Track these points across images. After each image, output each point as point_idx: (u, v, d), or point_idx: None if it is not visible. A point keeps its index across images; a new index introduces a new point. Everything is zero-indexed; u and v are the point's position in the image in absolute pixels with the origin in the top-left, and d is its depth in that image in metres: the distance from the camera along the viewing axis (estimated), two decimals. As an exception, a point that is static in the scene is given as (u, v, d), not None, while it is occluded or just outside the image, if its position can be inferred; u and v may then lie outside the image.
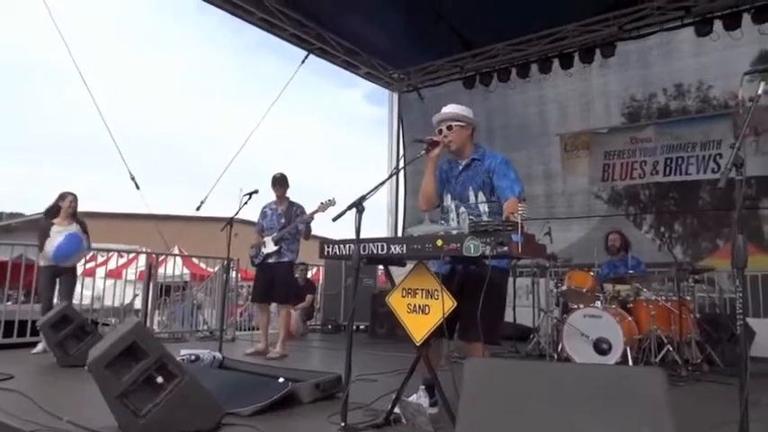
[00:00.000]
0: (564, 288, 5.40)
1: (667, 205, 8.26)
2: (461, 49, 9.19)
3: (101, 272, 7.99)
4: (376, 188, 2.86)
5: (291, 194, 5.90)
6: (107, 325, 6.84)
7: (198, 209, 8.35)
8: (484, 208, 3.07)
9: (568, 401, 1.58)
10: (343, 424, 2.64)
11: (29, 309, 6.01)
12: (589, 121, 8.83)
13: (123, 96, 51.96)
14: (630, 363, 4.56)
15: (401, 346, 5.26)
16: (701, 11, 7.36)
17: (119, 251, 9.87)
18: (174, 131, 58.60)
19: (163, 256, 8.18)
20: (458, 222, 3.08)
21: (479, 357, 2.82)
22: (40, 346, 5.31)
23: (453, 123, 3.14)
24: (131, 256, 10.36)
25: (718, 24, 7.23)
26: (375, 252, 2.75)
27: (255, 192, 5.50)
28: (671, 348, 4.80)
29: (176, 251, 9.72)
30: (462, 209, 3.12)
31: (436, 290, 2.72)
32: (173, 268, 8.39)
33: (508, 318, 5.95)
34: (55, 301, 5.47)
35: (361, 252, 2.76)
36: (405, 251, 2.67)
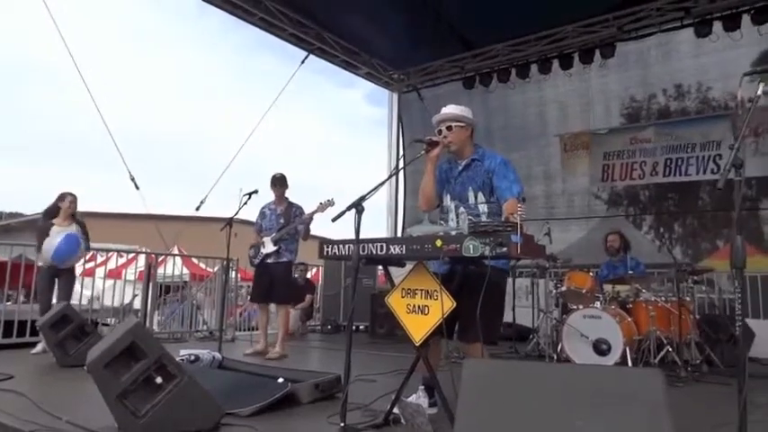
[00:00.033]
0: (563, 289, 5.41)
1: (667, 206, 8.26)
2: (461, 49, 9.19)
3: (100, 272, 7.98)
4: (375, 188, 2.85)
5: (291, 194, 5.91)
6: (107, 325, 6.84)
7: (197, 209, 8.34)
8: (483, 208, 3.07)
9: (567, 402, 1.58)
10: (342, 424, 2.64)
11: (28, 309, 6.00)
12: (589, 121, 8.83)
13: (123, 96, 52.02)
14: (630, 363, 4.57)
15: (400, 346, 5.27)
16: (700, 12, 7.36)
17: (118, 251, 9.87)
18: (173, 131, 58.69)
19: (162, 257, 8.18)
20: (457, 223, 3.08)
21: (478, 358, 2.82)
22: (39, 347, 5.31)
23: (453, 124, 3.14)
24: (131, 256, 10.36)
25: (717, 25, 7.23)
26: (374, 252, 2.75)
27: (255, 192, 5.51)
28: (670, 349, 4.80)
29: (176, 251, 9.72)
30: (462, 209, 3.12)
31: (435, 290, 2.72)
32: (172, 268, 8.39)
33: (508, 318, 5.95)
34: (53, 301, 5.47)
35: (361, 252, 2.76)
36: (404, 251, 2.67)
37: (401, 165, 9.70)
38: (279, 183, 5.79)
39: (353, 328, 4.35)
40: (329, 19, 8.54)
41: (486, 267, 2.44)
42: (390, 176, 8.71)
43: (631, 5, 7.64)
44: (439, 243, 2.52)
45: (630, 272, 5.36)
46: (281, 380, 3.36)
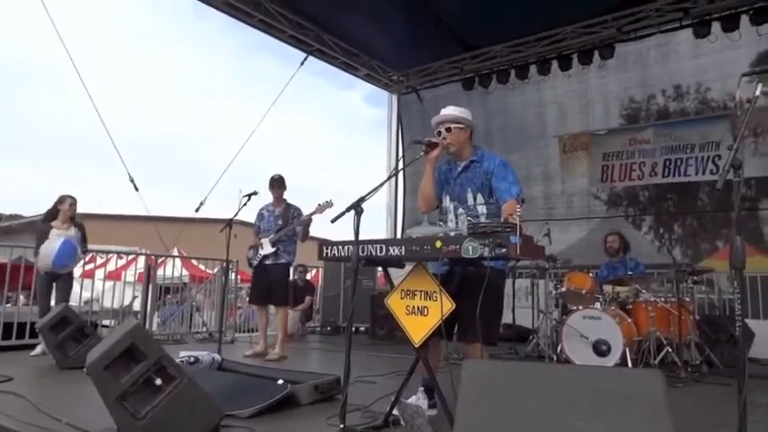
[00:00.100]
0: (563, 289, 5.41)
1: (666, 206, 8.27)
2: (460, 50, 9.20)
3: (100, 273, 7.98)
4: (375, 190, 2.85)
5: (290, 195, 5.91)
6: (106, 327, 6.83)
7: (197, 210, 8.35)
8: (482, 209, 3.07)
9: (567, 403, 1.58)
10: (341, 426, 2.63)
11: (28, 311, 6.00)
12: (588, 122, 8.84)
13: (121, 97, 52.04)
14: (630, 364, 4.57)
15: (400, 347, 5.27)
16: (699, 12, 7.37)
17: (118, 253, 9.88)
18: (172, 132, 58.69)
19: (162, 258, 8.18)
20: (456, 224, 3.08)
21: (478, 359, 2.82)
22: (39, 348, 5.31)
23: (452, 125, 3.14)
24: (130, 257, 10.37)
25: (716, 26, 7.24)
26: (374, 253, 2.75)
27: (255, 193, 5.51)
28: (670, 350, 4.80)
29: (175, 253, 9.72)
30: (461, 210, 3.12)
31: (435, 291, 2.72)
32: (172, 270, 8.39)
33: (507, 319, 5.95)
34: (52, 304, 5.46)
35: (360, 254, 2.75)
36: (403, 253, 2.67)
37: (400, 166, 9.68)
38: (277, 184, 5.79)
39: (353, 329, 4.35)
40: (329, 20, 8.55)
41: (486, 268, 2.44)
42: (390, 177, 8.70)
43: (630, 6, 7.66)
44: (438, 244, 2.52)
45: (630, 272, 5.37)
46: (280, 381, 3.36)
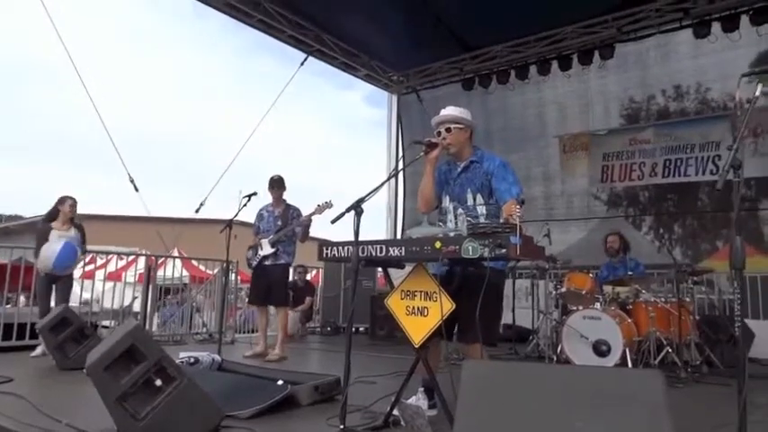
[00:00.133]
0: (563, 290, 5.41)
1: (666, 207, 8.27)
2: (460, 51, 9.19)
3: (100, 274, 7.98)
4: (374, 190, 2.86)
5: (290, 196, 5.90)
6: (106, 327, 6.83)
7: (197, 211, 8.35)
8: (482, 210, 3.07)
9: (567, 403, 1.58)
10: (342, 426, 2.63)
11: (28, 311, 6.00)
12: (588, 122, 8.84)
13: (120, 96, 52.08)
14: (630, 364, 4.57)
15: (400, 348, 5.27)
16: (699, 12, 7.37)
17: (118, 254, 9.87)
18: (171, 132, 58.79)
19: (162, 259, 8.18)
20: (455, 224, 3.08)
21: (478, 359, 2.82)
22: (39, 349, 5.31)
23: (452, 125, 3.14)
24: (131, 258, 10.36)
25: (716, 26, 7.24)
26: (374, 254, 2.75)
27: (255, 194, 5.51)
28: (670, 350, 4.80)
29: (176, 253, 9.73)
30: (460, 210, 3.12)
31: (435, 292, 2.72)
32: (172, 270, 8.39)
33: (507, 320, 5.96)
34: (52, 304, 5.46)
35: (360, 254, 2.76)
36: (403, 253, 2.67)
37: (400, 166, 9.69)
38: (276, 185, 5.79)
39: (353, 329, 4.34)
40: (328, 21, 8.55)
41: (485, 269, 2.44)
42: (389, 178, 8.69)
43: (630, 6, 7.66)
44: (438, 245, 2.52)
45: (630, 273, 5.37)
46: (280, 382, 3.36)
